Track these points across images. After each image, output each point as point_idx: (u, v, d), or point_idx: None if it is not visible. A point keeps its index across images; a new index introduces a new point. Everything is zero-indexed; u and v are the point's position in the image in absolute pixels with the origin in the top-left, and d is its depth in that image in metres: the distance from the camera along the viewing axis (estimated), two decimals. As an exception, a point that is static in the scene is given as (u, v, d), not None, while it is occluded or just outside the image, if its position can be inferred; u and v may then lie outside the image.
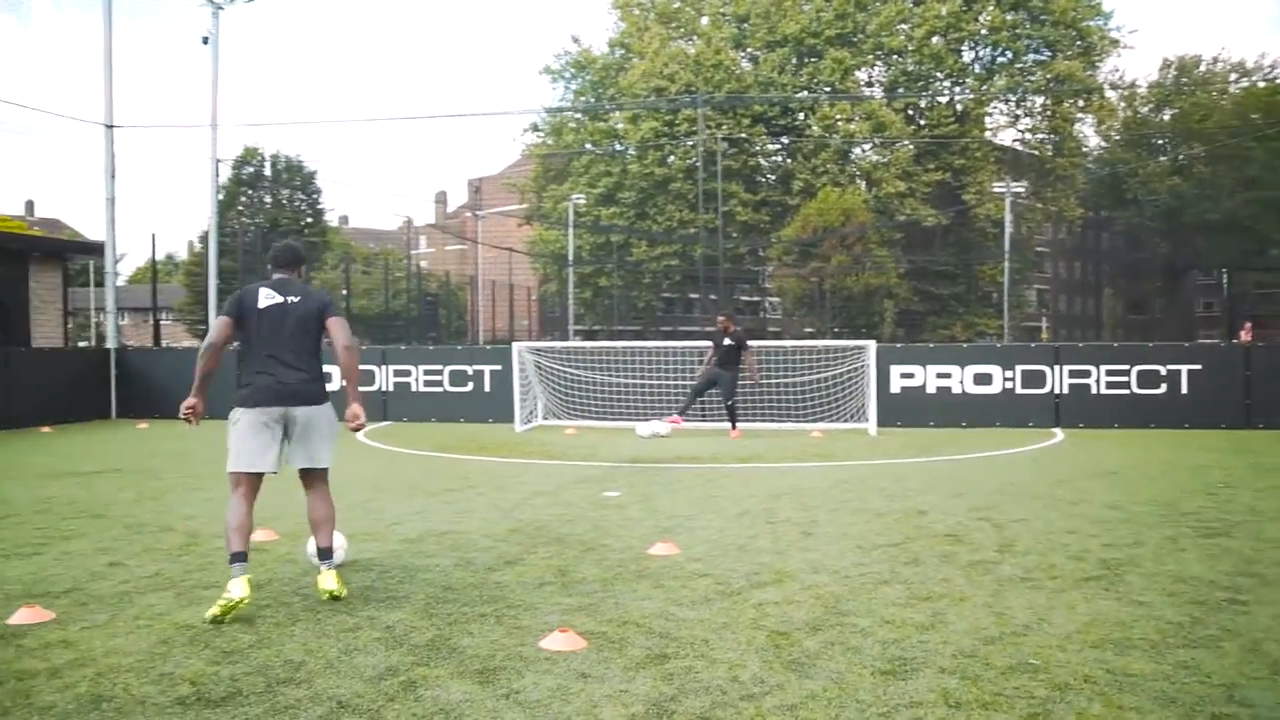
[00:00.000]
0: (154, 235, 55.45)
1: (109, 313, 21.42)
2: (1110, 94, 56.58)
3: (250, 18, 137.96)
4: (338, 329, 5.70)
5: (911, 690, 4.10)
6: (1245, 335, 22.58)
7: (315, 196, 56.44)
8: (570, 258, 52.55)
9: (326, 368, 6.14)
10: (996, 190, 49.88)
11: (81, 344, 36.77)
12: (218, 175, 24.26)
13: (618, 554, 6.69)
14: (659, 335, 55.76)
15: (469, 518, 8.13)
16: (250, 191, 54.59)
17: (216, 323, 5.76)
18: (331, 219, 61.71)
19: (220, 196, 48.44)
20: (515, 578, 6.04)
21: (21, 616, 5.14)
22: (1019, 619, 5.10)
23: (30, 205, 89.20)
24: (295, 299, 5.71)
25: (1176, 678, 4.21)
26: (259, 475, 5.69)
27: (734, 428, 15.34)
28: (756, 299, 67.83)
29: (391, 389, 18.22)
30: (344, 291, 36.82)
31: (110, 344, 20.68)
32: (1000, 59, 54.34)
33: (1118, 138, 60.60)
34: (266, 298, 5.69)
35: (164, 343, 34.55)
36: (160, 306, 27.55)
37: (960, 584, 5.82)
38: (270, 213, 53.53)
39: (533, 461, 12.17)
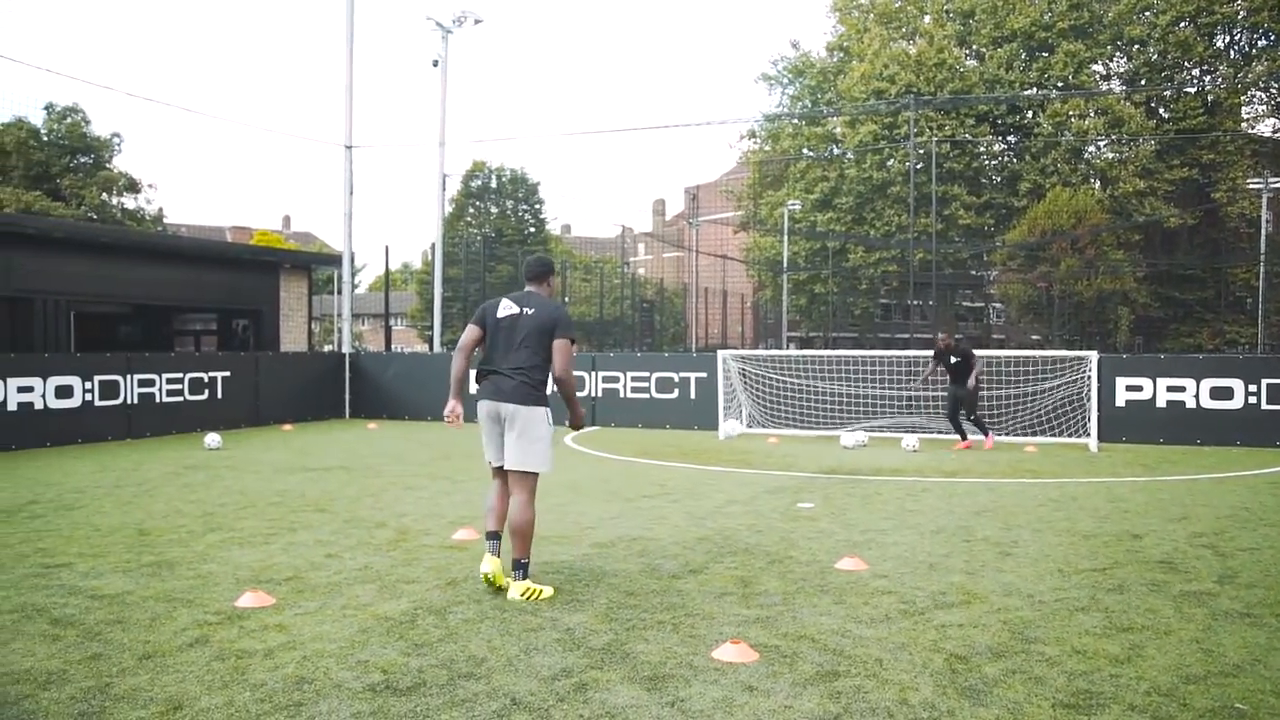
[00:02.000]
0: (387, 247, 59.18)
1: (344, 319, 23.04)
2: (1396, 73, 50.87)
3: (477, 38, 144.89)
4: (558, 354, 6.01)
5: (1093, 727, 3.88)
6: None
7: (538, 207, 58.66)
8: (784, 264, 52.23)
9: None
10: (1253, 186, 45.87)
11: (328, 348, 39.68)
12: (444, 190, 25.59)
13: (803, 567, 6.64)
14: (877, 342, 54.60)
15: (661, 524, 8.26)
16: (478, 203, 57.34)
17: (467, 329, 6.27)
18: (554, 228, 63.91)
19: (450, 209, 51.39)
20: (698, 586, 6.10)
21: (247, 600, 5.66)
22: (1230, 657, 4.71)
23: (287, 220, 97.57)
24: (530, 311, 6.08)
25: (1407, 734, 3.79)
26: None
27: (987, 436, 14.75)
28: (979, 305, 65.25)
29: (600, 395, 18.68)
30: (565, 299, 38.12)
31: (345, 349, 22.24)
32: (1260, 42, 49.91)
33: (1405, 122, 54.35)
34: (505, 309, 6.13)
35: (395, 348, 36.68)
36: (393, 313, 29.34)
37: (1168, 616, 5.44)
38: (496, 223, 56.04)
39: (731, 470, 12.21)
